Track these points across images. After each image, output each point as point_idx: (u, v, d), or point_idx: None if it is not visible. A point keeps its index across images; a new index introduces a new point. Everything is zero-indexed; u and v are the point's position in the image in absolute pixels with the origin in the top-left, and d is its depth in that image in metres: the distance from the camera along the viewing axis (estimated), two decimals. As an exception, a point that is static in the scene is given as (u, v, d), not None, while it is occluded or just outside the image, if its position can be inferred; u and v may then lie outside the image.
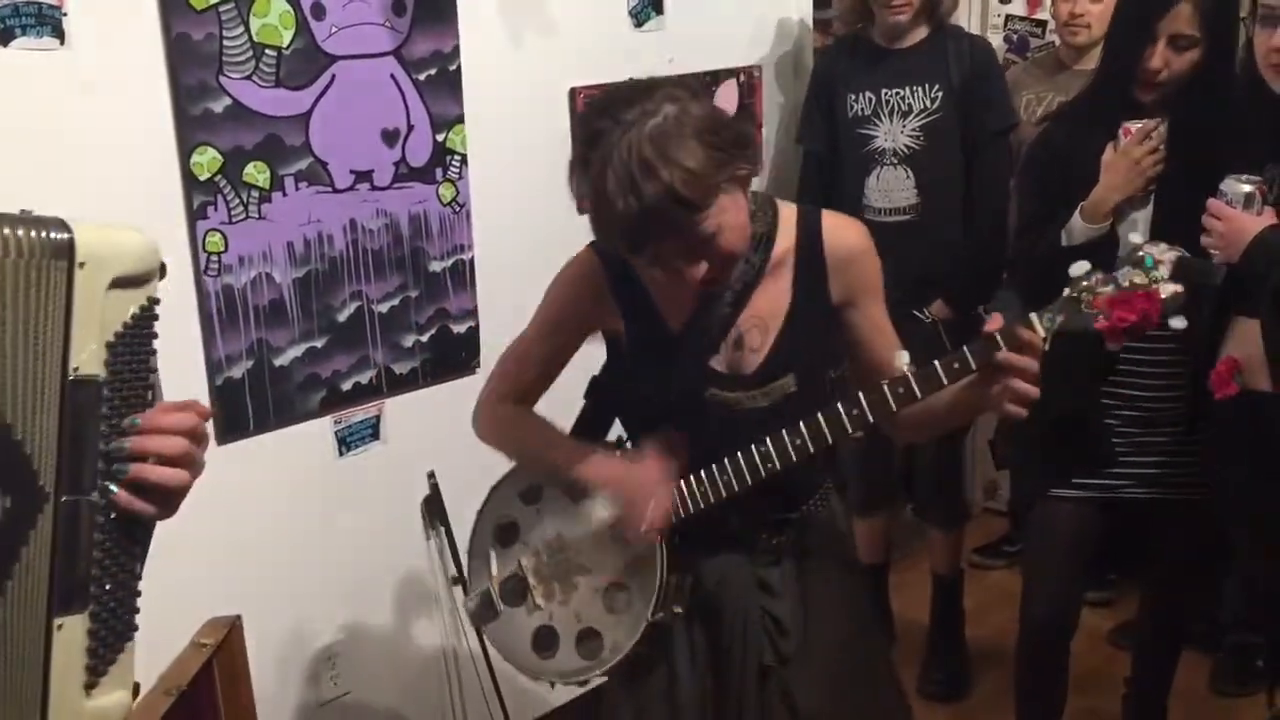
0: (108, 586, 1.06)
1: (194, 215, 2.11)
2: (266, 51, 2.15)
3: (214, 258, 2.15)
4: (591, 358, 1.88)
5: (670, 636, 1.83)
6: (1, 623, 1.00)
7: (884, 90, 2.92)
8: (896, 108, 2.91)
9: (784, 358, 1.75)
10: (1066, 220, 2.24)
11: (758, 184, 3.14)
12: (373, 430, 2.47)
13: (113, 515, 1.05)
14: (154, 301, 1.07)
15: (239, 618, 2.11)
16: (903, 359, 1.64)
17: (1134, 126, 2.20)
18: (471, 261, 2.55)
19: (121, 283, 1.04)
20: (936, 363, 1.61)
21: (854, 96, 2.96)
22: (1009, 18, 3.95)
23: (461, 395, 2.14)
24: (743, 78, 3.08)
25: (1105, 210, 2.22)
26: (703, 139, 1.53)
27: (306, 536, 2.39)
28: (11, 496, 1.00)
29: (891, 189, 2.94)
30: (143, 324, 1.07)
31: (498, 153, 2.55)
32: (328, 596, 2.45)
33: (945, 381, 1.62)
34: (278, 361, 2.28)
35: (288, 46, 2.18)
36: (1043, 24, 3.83)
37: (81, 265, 1.01)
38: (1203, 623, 3.01)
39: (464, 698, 2.68)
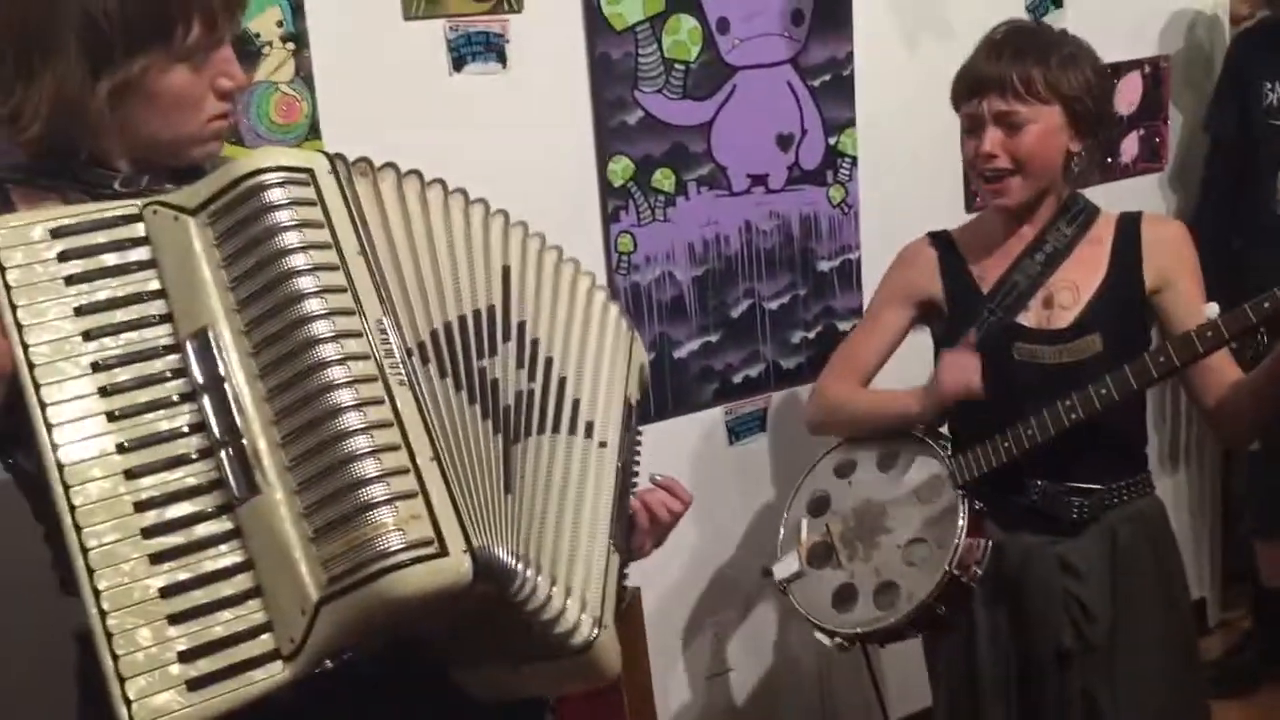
0: (626, 549, 1.34)
1: (608, 219, 2.31)
2: (675, 66, 2.32)
3: (624, 258, 2.35)
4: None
5: (973, 614, 1.94)
6: (577, 508, 1.27)
7: None
8: None
9: (1094, 317, 1.89)
10: None
11: (1160, 178, 3.03)
12: (760, 421, 2.59)
13: (630, 512, 1.38)
14: (639, 402, 1.44)
15: (639, 589, 2.28)
16: (1212, 309, 1.74)
17: None
18: (858, 261, 2.61)
19: (639, 370, 1.45)
20: (1246, 305, 1.67)
21: (1270, 85, 2.76)
22: None
23: (849, 391, 2.21)
24: (1148, 69, 2.94)
25: None
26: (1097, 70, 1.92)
27: (700, 518, 2.54)
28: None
29: (1306, 188, 2.72)
30: (640, 408, 1.43)
31: (887, 155, 2.60)
32: (718, 576, 2.60)
33: (1253, 319, 1.67)
34: (677, 354, 2.45)
35: (695, 60, 2.34)
36: None
37: (635, 341, 1.46)
38: None
39: (834, 686, 2.75)
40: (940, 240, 2.06)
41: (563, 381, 1.32)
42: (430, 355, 1.20)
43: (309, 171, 1.16)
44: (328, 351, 1.08)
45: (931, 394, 1.94)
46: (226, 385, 1.09)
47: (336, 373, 1.08)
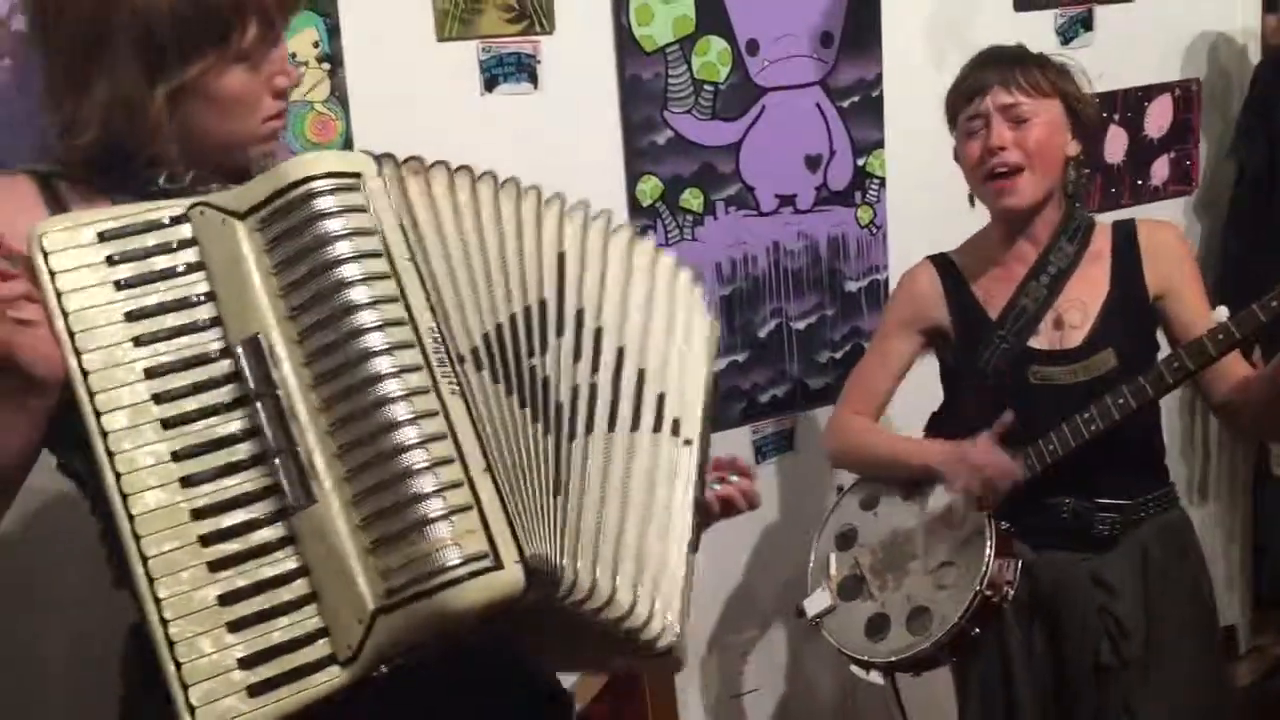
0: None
1: (636, 238, 2.33)
2: (705, 87, 2.34)
3: (652, 276, 2.36)
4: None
5: (1006, 632, 1.93)
6: (665, 513, 1.28)
7: None
8: None
9: (1106, 332, 1.89)
10: None
11: (1188, 201, 3.02)
12: (787, 441, 2.59)
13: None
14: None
15: (663, 606, 2.29)
16: (1221, 312, 1.74)
17: None
18: (886, 282, 2.62)
19: (715, 344, 1.41)
20: (1254, 304, 1.67)
21: None
22: None
23: (875, 412, 2.21)
24: (1179, 91, 2.94)
25: None
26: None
27: (725, 536, 2.53)
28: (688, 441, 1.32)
29: (1337, 208, 2.71)
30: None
31: (915, 176, 2.60)
32: (741, 594, 2.60)
33: (1263, 319, 1.67)
34: (704, 373, 2.45)
35: (724, 81, 2.36)
36: None
37: (712, 323, 1.41)
38: None
39: (859, 708, 2.73)
40: (941, 264, 2.05)
41: (641, 374, 1.29)
42: (483, 360, 1.20)
43: (358, 176, 1.16)
44: (383, 365, 1.09)
45: (953, 465, 1.91)
46: (280, 393, 1.10)
47: (392, 386, 1.09)
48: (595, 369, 1.26)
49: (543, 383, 1.23)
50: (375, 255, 1.13)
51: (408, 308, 1.13)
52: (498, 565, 1.07)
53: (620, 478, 1.24)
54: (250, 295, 1.12)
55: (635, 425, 1.27)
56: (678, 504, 1.29)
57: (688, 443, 1.30)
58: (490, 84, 2.13)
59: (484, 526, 1.08)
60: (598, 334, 1.28)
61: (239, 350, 1.11)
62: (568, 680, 2.07)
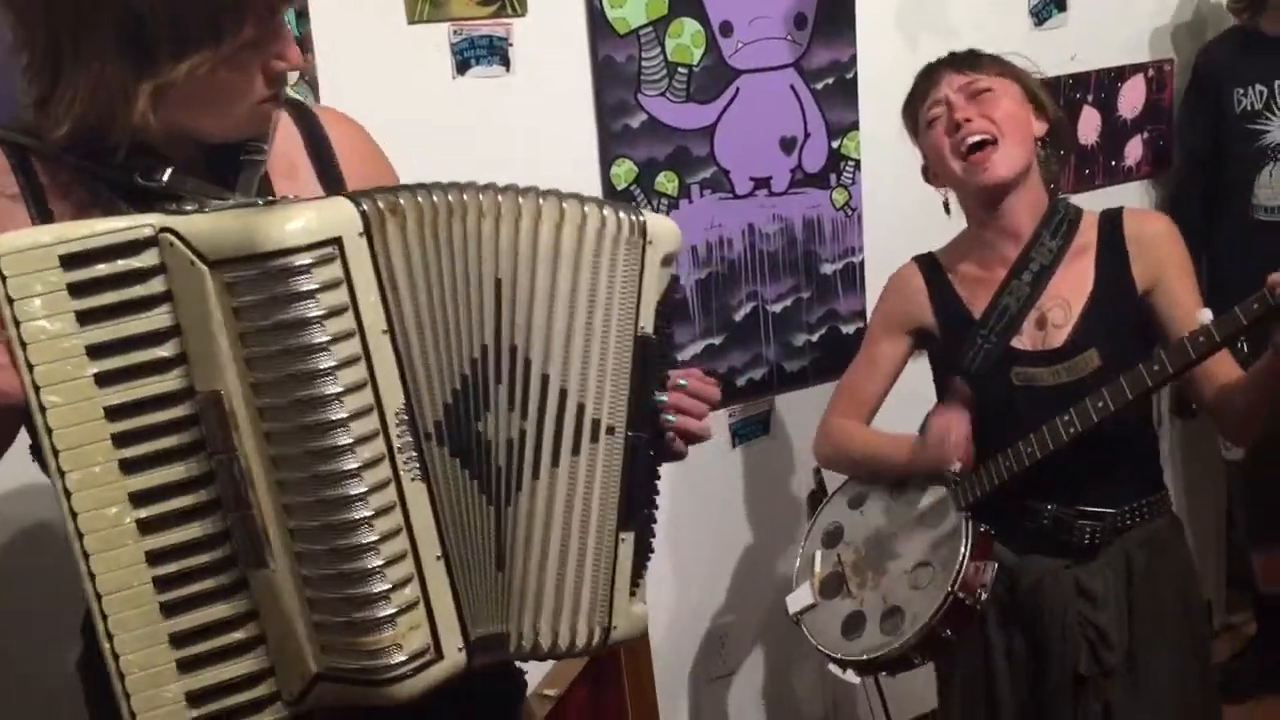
0: (645, 512, 1.28)
1: (611, 221, 2.31)
2: (679, 70, 2.32)
3: (627, 260, 2.35)
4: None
5: (988, 637, 1.91)
6: (582, 530, 1.24)
7: (1277, 83, 2.73)
8: None
9: (1088, 332, 1.83)
10: None
11: (1163, 181, 3.02)
12: (763, 425, 2.59)
13: (652, 452, 1.28)
14: (676, 278, 1.30)
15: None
16: (1204, 315, 1.67)
17: None
18: (861, 264, 2.62)
19: (666, 260, 1.28)
20: (1236, 307, 1.61)
21: (1242, 91, 2.79)
22: None
23: (852, 394, 2.20)
24: (1152, 72, 2.94)
25: None
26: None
27: (702, 520, 2.55)
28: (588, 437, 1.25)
29: (1285, 187, 2.73)
30: (671, 294, 1.30)
31: (890, 157, 2.58)
32: (719, 578, 2.60)
33: (1244, 321, 1.60)
34: (680, 357, 2.44)
35: (698, 64, 2.34)
36: None
37: (650, 243, 1.25)
38: None
39: (838, 692, 2.75)
40: (927, 264, 2.02)
41: (563, 394, 1.24)
42: (444, 435, 1.17)
43: (337, 242, 1.08)
44: (345, 464, 1.08)
45: (920, 457, 1.91)
46: (239, 457, 1.09)
47: (352, 487, 1.09)
48: (525, 413, 1.22)
49: (486, 447, 1.21)
50: (349, 336, 1.09)
51: (376, 394, 1.10)
52: (439, 657, 1.13)
53: (543, 526, 1.23)
54: (215, 349, 1.08)
55: (555, 461, 1.23)
56: (607, 504, 1.25)
57: (610, 431, 1.25)
58: (462, 67, 2.11)
59: (429, 620, 1.13)
60: (526, 368, 1.22)
61: (200, 404, 1.09)
62: (545, 664, 2.07)
